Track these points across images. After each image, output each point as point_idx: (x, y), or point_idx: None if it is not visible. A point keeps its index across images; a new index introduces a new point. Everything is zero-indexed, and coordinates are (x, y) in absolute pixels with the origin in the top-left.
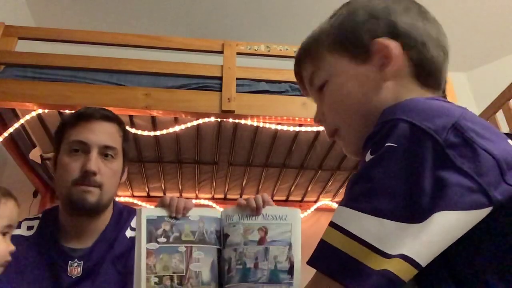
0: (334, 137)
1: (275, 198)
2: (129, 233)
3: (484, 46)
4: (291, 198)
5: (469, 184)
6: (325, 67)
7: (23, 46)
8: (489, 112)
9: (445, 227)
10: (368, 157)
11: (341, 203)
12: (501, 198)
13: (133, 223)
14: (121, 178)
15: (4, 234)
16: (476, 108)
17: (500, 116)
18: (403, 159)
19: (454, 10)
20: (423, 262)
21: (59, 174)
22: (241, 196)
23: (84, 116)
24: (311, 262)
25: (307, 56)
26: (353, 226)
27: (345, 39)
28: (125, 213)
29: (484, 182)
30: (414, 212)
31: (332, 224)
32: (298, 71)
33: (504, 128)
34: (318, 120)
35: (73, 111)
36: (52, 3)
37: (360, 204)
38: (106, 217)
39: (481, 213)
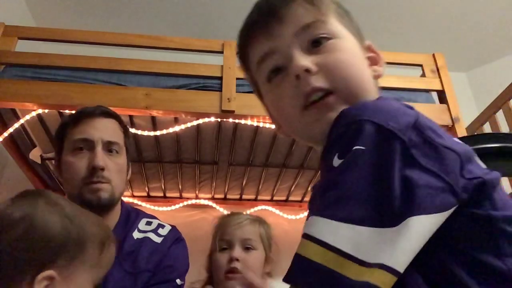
0: (319, 99)
1: (275, 198)
2: (136, 235)
3: (484, 46)
4: (291, 198)
5: (438, 184)
6: (332, 26)
7: (23, 46)
8: (489, 112)
9: (421, 231)
10: (337, 161)
11: (313, 213)
12: (463, 193)
13: (140, 225)
14: (127, 175)
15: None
16: (476, 108)
17: (500, 116)
18: (372, 163)
19: (454, 10)
20: (402, 269)
21: (66, 175)
22: (241, 196)
23: (85, 114)
24: (287, 279)
25: (313, 4)
26: (328, 236)
27: (353, 23)
28: (133, 215)
29: (451, 180)
30: (386, 216)
31: (306, 236)
32: (286, 5)
33: (504, 128)
34: (306, 69)
35: (73, 112)
36: (52, 3)
37: (333, 212)
38: (114, 217)
39: (448, 213)
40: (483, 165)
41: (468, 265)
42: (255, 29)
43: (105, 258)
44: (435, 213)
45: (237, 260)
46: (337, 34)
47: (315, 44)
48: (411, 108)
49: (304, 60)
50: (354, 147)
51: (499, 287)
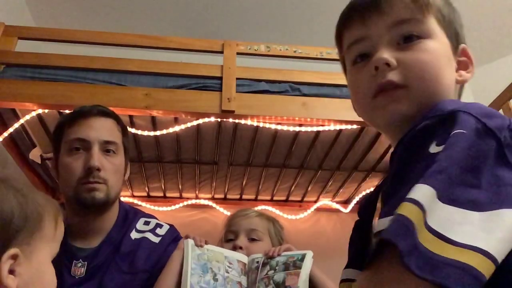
0: (389, 89)
1: (275, 198)
2: (134, 235)
3: (484, 46)
4: (291, 198)
5: None
6: (428, 26)
7: (23, 46)
8: None
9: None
10: (434, 148)
11: (418, 182)
12: None
13: (138, 225)
14: (125, 175)
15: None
16: None
17: None
18: (469, 147)
19: None
20: (499, 257)
21: (62, 175)
22: (241, 196)
23: (81, 114)
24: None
25: (415, 2)
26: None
27: (452, 26)
28: (131, 215)
29: None
30: (476, 200)
31: (408, 199)
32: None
33: None
34: (386, 62)
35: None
36: (52, 3)
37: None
38: (112, 216)
39: None
40: None
41: None
42: (355, 14)
43: (59, 232)
44: None
45: (241, 248)
46: (430, 35)
47: (406, 41)
48: None
49: (387, 54)
50: (454, 131)
51: None
